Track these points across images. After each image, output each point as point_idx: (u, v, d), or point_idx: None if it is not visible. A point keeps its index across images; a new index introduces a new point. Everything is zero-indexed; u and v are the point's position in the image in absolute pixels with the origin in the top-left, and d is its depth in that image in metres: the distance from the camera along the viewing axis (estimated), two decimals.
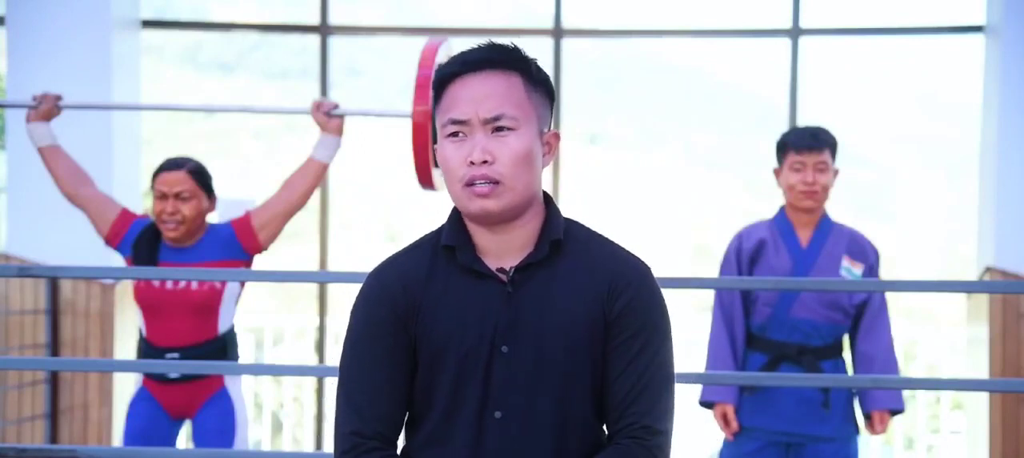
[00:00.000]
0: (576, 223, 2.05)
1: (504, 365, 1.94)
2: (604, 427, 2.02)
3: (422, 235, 2.08)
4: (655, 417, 1.95)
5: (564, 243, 1.99)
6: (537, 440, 1.94)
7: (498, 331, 1.94)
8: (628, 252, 2.03)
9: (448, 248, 1.99)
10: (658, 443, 1.95)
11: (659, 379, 1.97)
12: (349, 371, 2.00)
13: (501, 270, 1.97)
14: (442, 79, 1.97)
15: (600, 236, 2.05)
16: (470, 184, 1.92)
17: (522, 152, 1.93)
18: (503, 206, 1.93)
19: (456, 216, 2.01)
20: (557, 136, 2.02)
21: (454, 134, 1.94)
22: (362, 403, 1.97)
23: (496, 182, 1.92)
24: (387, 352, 1.97)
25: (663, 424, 1.96)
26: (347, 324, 2.03)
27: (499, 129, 1.93)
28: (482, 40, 2.01)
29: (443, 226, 2.03)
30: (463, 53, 1.98)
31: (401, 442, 2.05)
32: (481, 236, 1.98)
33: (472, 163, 1.92)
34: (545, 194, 2.03)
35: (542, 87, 2.00)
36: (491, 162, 1.92)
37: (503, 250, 1.98)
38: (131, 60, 5.89)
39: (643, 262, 2.03)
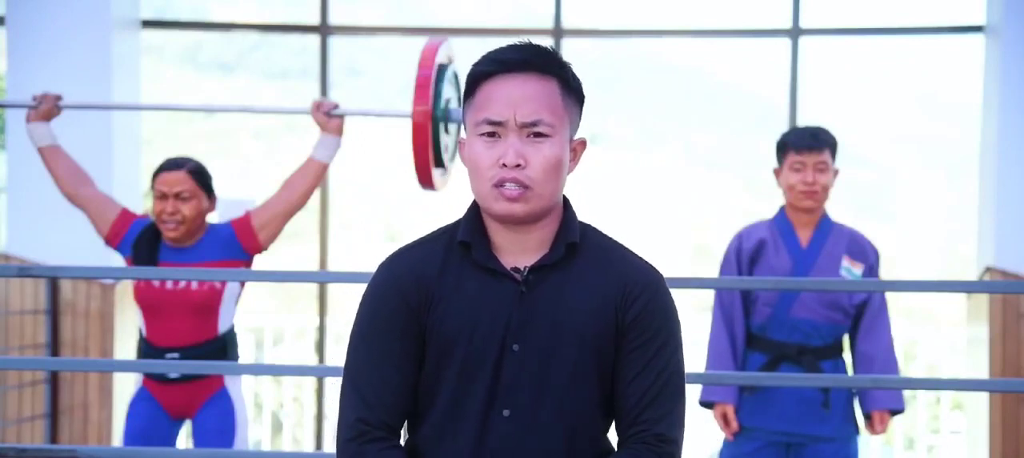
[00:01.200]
0: (592, 228, 2.06)
1: (514, 364, 1.95)
2: (611, 430, 2.03)
3: (437, 228, 2.08)
4: (668, 425, 1.97)
5: (579, 247, 2.00)
6: (543, 440, 1.95)
7: (510, 330, 1.95)
8: (642, 259, 2.04)
9: (463, 244, 1.99)
10: (670, 451, 1.97)
11: (672, 386, 1.98)
12: (357, 360, 2.00)
13: (516, 269, 1.98)
14: (478, 76, 1.97)
15: (615, 242, 2.05)
16: (499, 185, 1.92)
17: (554, 160, 1.94)
18: (529, 210, 1.94)
19: (474, 212, 2.02)
20: (584, 144, 2.03)
21: (488, 134, 1.94)
22: (368, 392, 1.97)
23: (526, 187, 1.92)
24: (397, 342, 1.97)
25: (675, 432, 1.98)
26: (356, 313, 2.03)
27: (535, 135, 1.93)
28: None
29: (459, 221, 2.03)
30: (501, 51, 1.97)
31: (405, 434, 2.05)
32: (498, 234, 1.99)
33: (504, 165, 1.92)
34: (564, 197, 2.03)
35: (575, 94, 2.00)
36: (523, 167, 1.92)
37: (519, 249, 1.98)
38: (131, 60, 5.89)
39: (656, 269, 2.04)
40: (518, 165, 1.92)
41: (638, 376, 1.96)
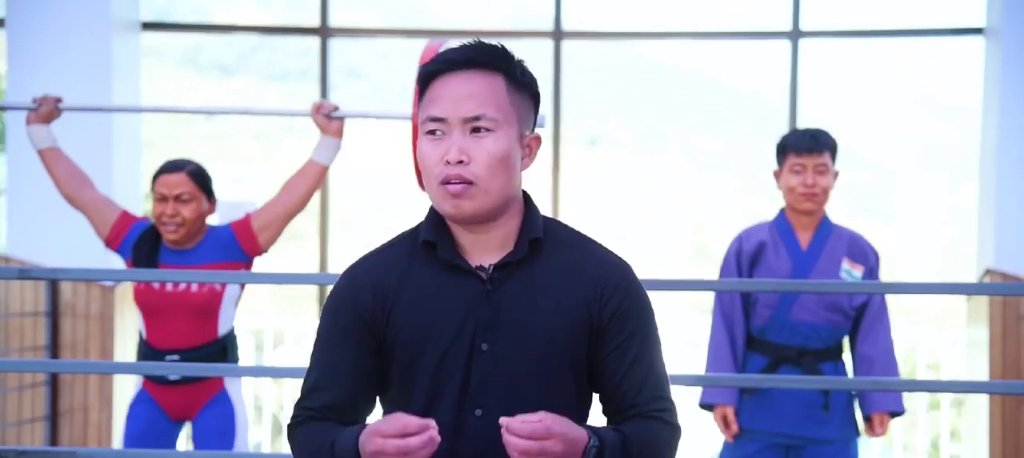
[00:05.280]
0: (556, 222, 2.06)
1: (484, 363, 1.95)
2: (586, 415, 2.04)
3: (400, 232, 2.08)
4: (663, 389, 2.02)
5: (544, 242, 2.00)
6: None
7: (478, 329, 1.95)
8: (609, 252, 2.05)
9: (427, 244, 1.99)
10: (671, 408, 2.02)
11: (659, 363, 2.03)
12: (313, 361, 2.04)
13: (480, 268, 1.98)
14: (425, 76, 1.98)
15: (580, 235, 2.06)
16: (445, 183, 1.93)
17: (498, 154, 1.93)
18: (476, 207, 1.94)
19: (435, 212, 2.02)
20: (538, 140, 2.03)
21: (432, 132, 1.95)
22: (313, 384, 2.01)
23: (470, 183, 1.92)
24: (349, 351, 2.00)
25: (669, 392, 2.04)
26: (319, 317, 2.06)
27: (477, 130, 1.93)
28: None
29: (422, 223, 2.04)
30: (448, 51, 1.98)
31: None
32: (461, 234, 2.00)
33: (448, 162, 1.92)
34: (525, 193, 2.03)
35: (526, 89, 2.00)
36: (466, 162, 1.92)
37: (482, 248, 1.99)
38: (131, 62, 5.89)
39: (624, 261, 2.05)
40: (461, 161, 1.92)
41: (630, 370, 1.99)
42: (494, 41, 2.01)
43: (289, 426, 2.02)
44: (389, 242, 2.07)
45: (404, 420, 1.84)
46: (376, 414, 2.08)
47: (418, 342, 1.96)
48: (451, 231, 2.00)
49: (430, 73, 1.97)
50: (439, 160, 1.93)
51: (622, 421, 2.00)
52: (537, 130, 2.06)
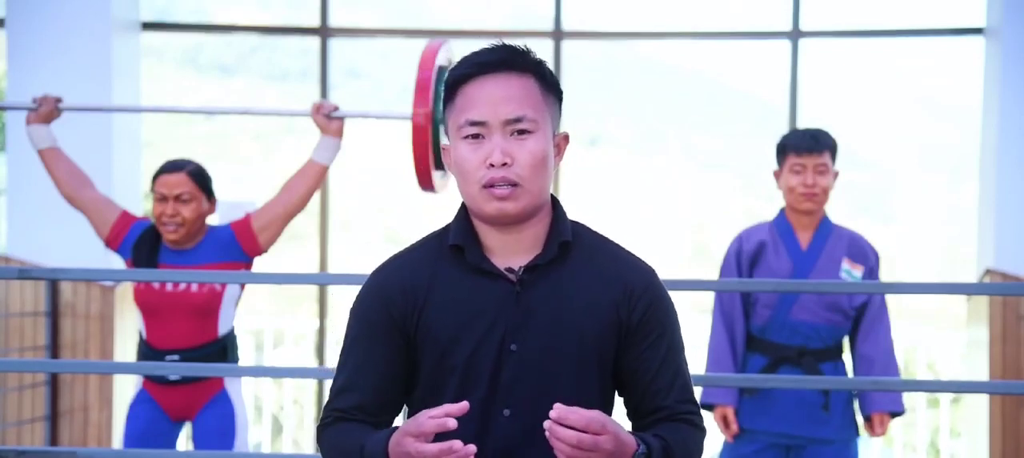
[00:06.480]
0: (583, 226, 2.07)
1: (513, 364, 1.96)
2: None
3: (426, 234, 2.08)
4: (690, 392, 2.06)
5: (572, 245, 2.01)
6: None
7: (508, 330, 1.96)
8: (635, 256, 2.07)
9: (455, 247, 2.00)
10: (698, 412, 2.06)
11: (684, 367, 2.06)
12: (341, 363, 2.04)
13: (509, 270, 1.98)
14: (456, 80, 1.97)
15: (606, 239, 2.07)
16: (489, 185, 1.93)
17: (540, 155, 1.95)
18: (521, 208, 1.95)
19: (463, 215, 2.02)
20: (566, 138, 2.05)
21: (471, 136, 1.95)
22: (344, 385, 2.01)
23: (515, 184, 1.93)
24: (379, 351, 1.99)
25: (694, 395, 2.07)
26: (346, 320, 2.05)
27: (518, 132, 1.94)
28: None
29: (449, 225, 2.04)
30: (477, 54, 1.98)
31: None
32: (489, 236, 2.00)
33: (491, 165, 1.93)
34: (552, 196, 2.04)
35: (553, 90, 2.01)
36: (510, 164, 1.93)
37: (511, 250, 1.99)
38: (131, 62, 5.89)
39: (649, 264, 2.07)
40: (505, 163, 1.93)
41: (659, 372, 2.01)
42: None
43: (318, 428, 2.03)
44: (415, 244, 2.08)
45: (429, 413, 1.83)
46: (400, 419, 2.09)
47: (448, 342, 1.96)
48: (479, 233, 2.00)
49: (462, 76, 1.97)
50: (481, 163, 1.94)
51: (650, 423, 2.02)
52: None
